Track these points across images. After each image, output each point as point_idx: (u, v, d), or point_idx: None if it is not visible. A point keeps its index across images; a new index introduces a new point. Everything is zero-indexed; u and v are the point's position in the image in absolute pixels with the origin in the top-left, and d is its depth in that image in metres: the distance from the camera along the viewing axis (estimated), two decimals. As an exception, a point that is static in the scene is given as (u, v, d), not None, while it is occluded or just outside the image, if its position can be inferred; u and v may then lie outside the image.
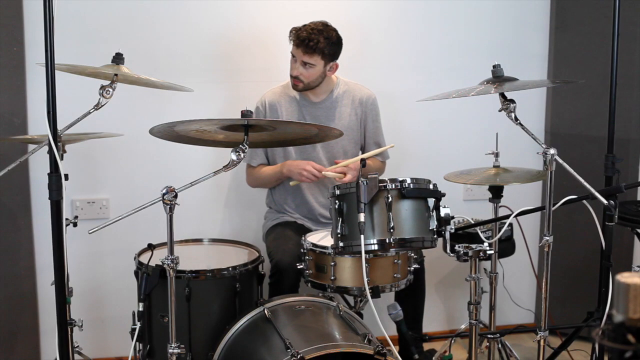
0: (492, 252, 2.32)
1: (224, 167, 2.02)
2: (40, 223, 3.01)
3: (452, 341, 3.02)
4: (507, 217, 2.38)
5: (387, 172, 3.23)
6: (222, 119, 2.10)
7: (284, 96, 3.00)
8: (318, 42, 2.79)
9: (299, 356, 2.01)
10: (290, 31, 2.85)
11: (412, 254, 2.55)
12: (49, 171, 1.87)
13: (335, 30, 2.86)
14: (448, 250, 2.15)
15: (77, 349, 2.52)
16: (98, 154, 3.07)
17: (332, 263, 2.45)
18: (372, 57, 3.34)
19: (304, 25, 2.84)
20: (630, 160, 3.29)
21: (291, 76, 2.90)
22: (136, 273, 2.56)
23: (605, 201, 2.18)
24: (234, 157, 2.01)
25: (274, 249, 2.80)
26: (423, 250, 2.72)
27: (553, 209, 2.17)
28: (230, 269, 2.50)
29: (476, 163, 2.81)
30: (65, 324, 1.98)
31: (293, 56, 2.87)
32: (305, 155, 2.98)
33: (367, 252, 2.12)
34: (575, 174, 2.15)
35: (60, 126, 1.93)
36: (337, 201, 2.20)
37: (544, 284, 2.22)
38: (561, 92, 3.48)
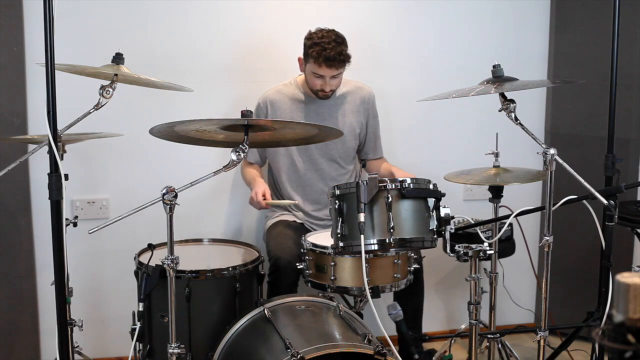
0: (492, 252, 2.32)
1: (224, 167, 2.02)
2: (40, 223, 3.01)
3: (452, 341, 3.02)
4: (507, 217, 2.38)
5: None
6: (222, 119, 2.09)
7: (287, 94, 3.01)
8: (345, 53, 2.80)
9: (299, 356, 2.01)
10: (311, 54, 2.79)
11: (412, 254, 2.55)
12: (49, 171, 1.87)
13: (339, 32, 2.85)
14: (448, 250, 2.15)
15: (77, 349, 2.52)
16: (98, 154, 3.07)
17: (332, 263, 2.45)
18: (372, 58, 3.34)
19: (319, 43, 2.78)
20: (630, 160, 3.29)
21: (319, 91, 2.89)
22: (136, 273, 2.56)
23: (605, 201, 2.18)
24: (234, 157, 2.01)
25: (273, 247, 2.80)
26: (423, 250, 2.72)
27: (553, 209, 2.17)
28: (230, 269, 2.51)
29: (476, 163, 2.81)
30: (65, 324, 1.97)
31: (318, 75, 2.83)
32: (305, 152, 2.99)
33: (367, 252, 2.11)
34: (575, 174, 2.15)
35: (60, 126, 1.93)
36: (337, 201, 2.20)
37: (544, 284, 2.22)
38: (561, 92, 3.48)
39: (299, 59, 2.93)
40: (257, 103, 3.01)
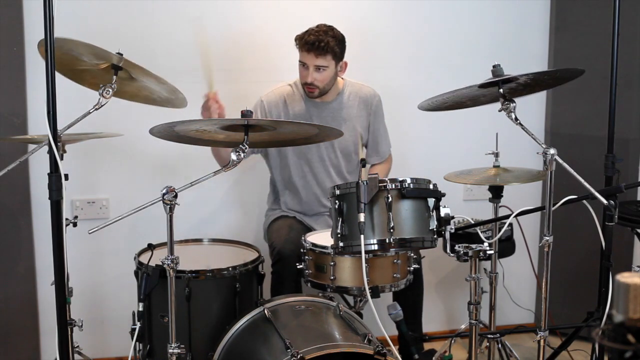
0: (492, 252, 2.32)
1: (224, 167, 2.03)
2: (40, 223, 3.01)
3: (452, 341, 3.02)
4: (507, 217, 2.38)
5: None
6: (222, 119, 2.10)
7: (291, 95, 2.96)
8: (328, 43, 2.76)
9: (299, 356, 2.01)
10: (296, 39, 2.82)
11: (412, 254, 2.55)
12: (49, 171, 1.87)
13: (338, 30, 2.85)
14: (448, 250, 2.15)
15: (77, 349, 2.52)
16: (98, 154, 3.07)
17: (332, 263, 2.45)
18: (372, 58, 3.34)
19: (308, 30, 2.80)
20: (630, 160, 3.29)
21: (304, 85, 2.86)
22: (136, 273, 2.56)
23: (605, 201, 2.18)
24: (234, 157, 2.01)
25: (276, 239, 2.80)
26: (423, 250, 2.71)
27: (553, 209, 2.16)
28: (230, 269, 2.51)
29: (476, 163, 2.81)
30: (65, 324, 1.98)
31: (303, 64, 2.82)
32: (303, 154, 2.97)
33: (367, 252, 2.11)
34: (575, 174, 2.15)
35: (60, 126, 1.93)
36: (337, 201, 2.20)
37: (544, 284, 2.22)
38: (561, 92, 3.48)
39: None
40: (260, 101, 2.95)
